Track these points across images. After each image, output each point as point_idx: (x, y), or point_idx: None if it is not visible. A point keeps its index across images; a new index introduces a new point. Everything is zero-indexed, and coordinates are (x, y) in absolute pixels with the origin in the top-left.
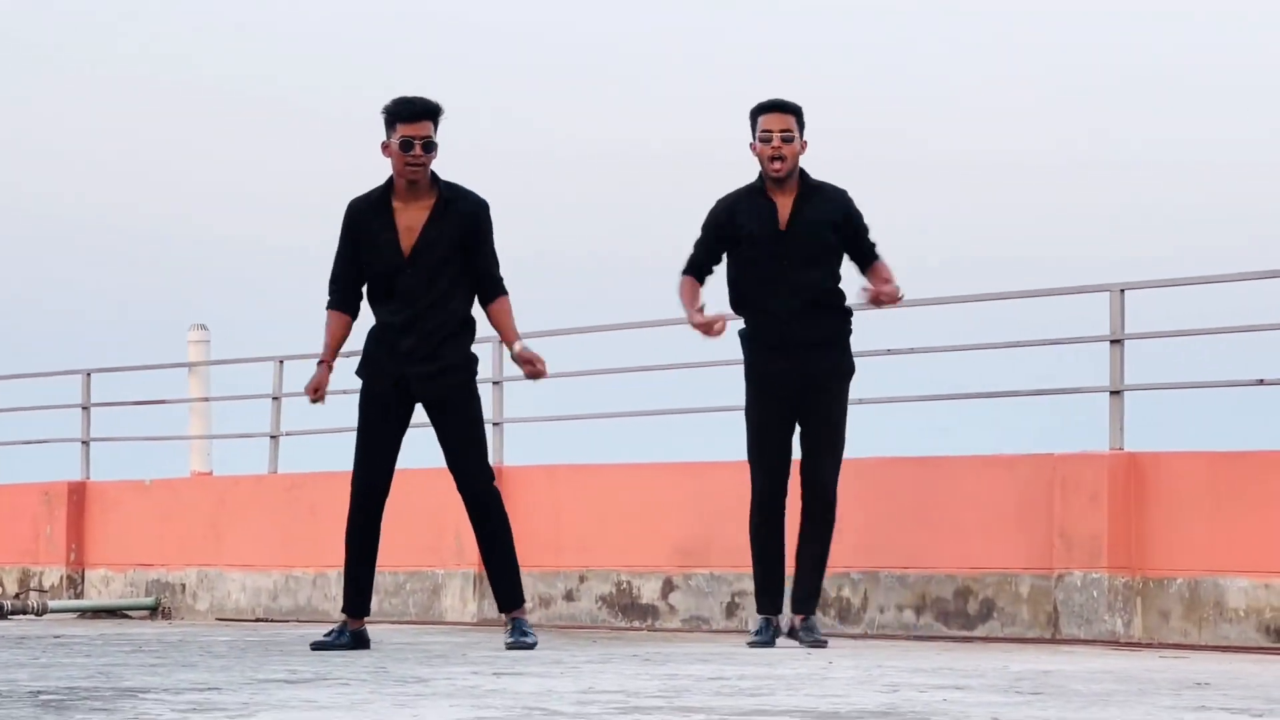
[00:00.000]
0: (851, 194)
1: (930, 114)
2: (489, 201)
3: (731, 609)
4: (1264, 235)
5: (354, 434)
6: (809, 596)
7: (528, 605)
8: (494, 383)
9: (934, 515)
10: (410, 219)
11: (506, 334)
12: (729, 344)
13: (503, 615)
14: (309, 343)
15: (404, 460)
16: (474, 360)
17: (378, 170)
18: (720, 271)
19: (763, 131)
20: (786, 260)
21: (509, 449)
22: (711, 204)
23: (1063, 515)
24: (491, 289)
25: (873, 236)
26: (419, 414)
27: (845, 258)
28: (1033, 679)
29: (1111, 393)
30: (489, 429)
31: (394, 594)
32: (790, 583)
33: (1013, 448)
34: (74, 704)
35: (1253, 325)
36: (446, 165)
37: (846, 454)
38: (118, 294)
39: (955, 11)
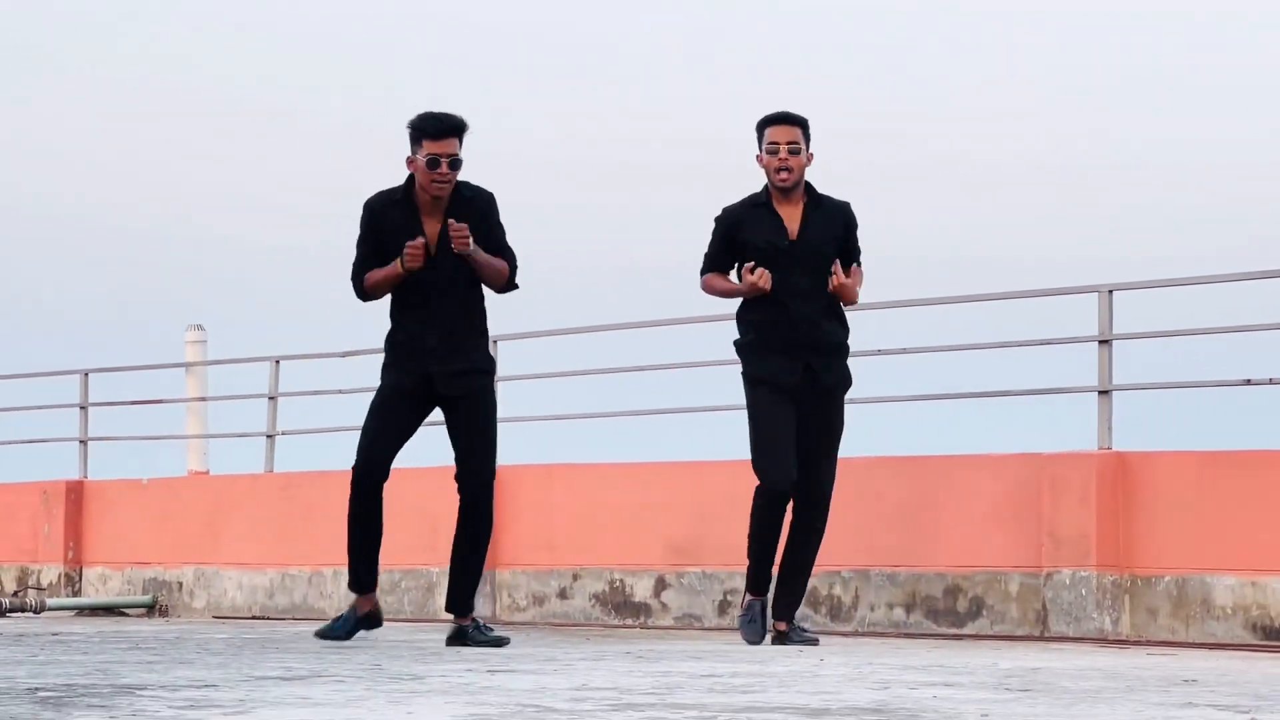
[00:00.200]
0: (853, 204)
1: (928, 114)
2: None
3: (724, 607)
4: (1252, 236)
5: (350, 434)
6: (794, 603)
7: (521, 604)
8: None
9: (924, 514)
10: (432, 221)
11: (488, 268)
12: (724, 344)
13: (461, 618)
14: (305, 343)
15: (399, 460)
16: (494, 364)
17: (375, 171)
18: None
19: (769, 143)
20: (794, 271)
21: (503, 448)
22: (711, 209)
23: (1052, 514)
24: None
25: (863, 247)
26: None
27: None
28: (1022, 676)
29: (1100, 392)
30: None
31: (389, 592)
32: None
33: (1002, 447)
34: (72, 701)
35: (1240, 326)
36: None
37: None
38: (116, 294)
39: (954, 11)
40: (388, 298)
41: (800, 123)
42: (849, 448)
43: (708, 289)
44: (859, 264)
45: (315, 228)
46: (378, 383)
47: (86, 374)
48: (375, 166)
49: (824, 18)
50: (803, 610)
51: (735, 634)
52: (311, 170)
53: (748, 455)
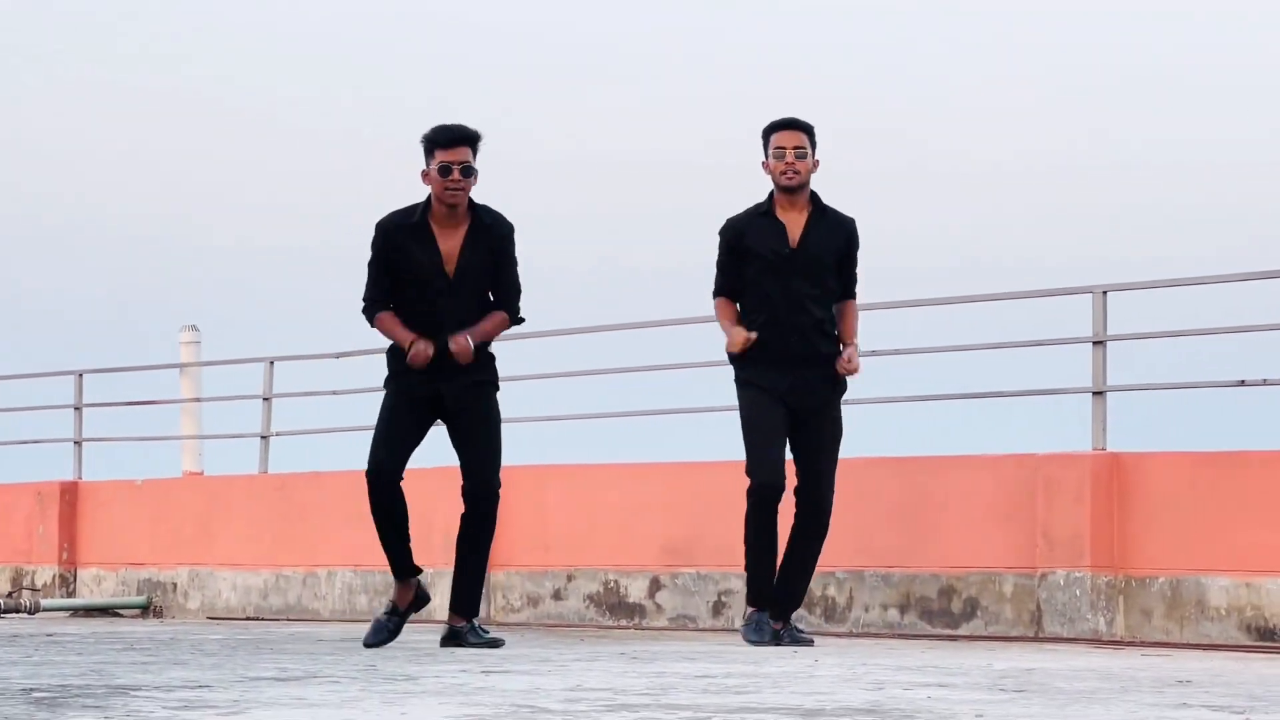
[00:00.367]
0: (851, 207)
1: (925, 115)
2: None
3: (718, 608)
4: (1246, 237)
5: (345, 435)
6: (792, 604)
7: (515, 605)
8: None
9: (918, 515)
10: (449, 241)
11: (488, 324)
12: (719, 345)
13: (456, 619)
14: (299, 344)
15: None
16: (498, 376)
17: (371, 173)
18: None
19: (775, 148)
20: (795, 278)
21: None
22: (709, 210)
23: (1046, 515)
24: (504, 305)
25: (859, 270)
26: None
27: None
28: (1016, 677)
29: (1094, 393)
30: None
31: (383, 593)
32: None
33: (996, 448)
34: (66, 701)
35: (1234, 327)
36: None
37: None
38: (110, 295)
39: (952, 12)
40: (400, 304)
41: (807, 129)
42: (844, 448)
43: (717, 314)
44: (852, 295)
45: (310, 229)
46: (372, 384)
47: (81, 375)
48: (372, 168)
49: (823, 19)
50: (797, 611)
51: (730, 635)
52: (307, 172)
53: (742, 456)
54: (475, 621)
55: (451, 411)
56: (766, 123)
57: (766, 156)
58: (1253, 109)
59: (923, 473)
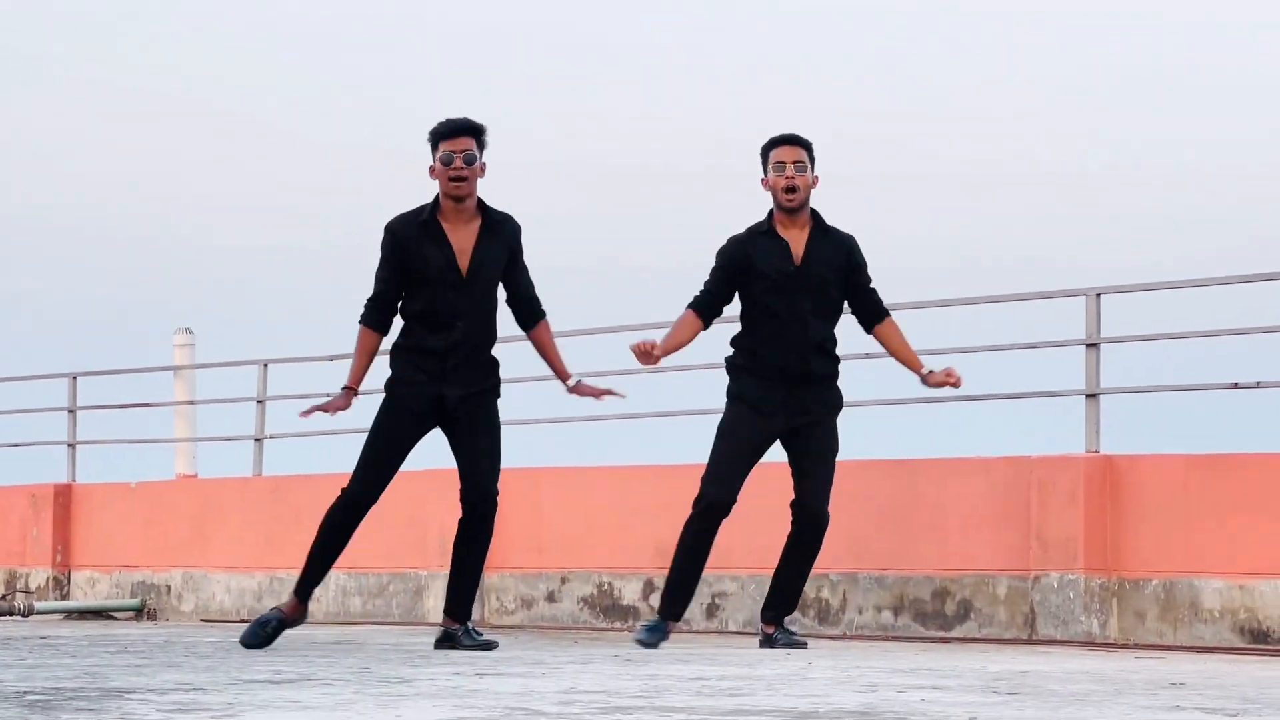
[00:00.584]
0: (847, 210)
1: (920, 119)
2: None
3: (712, 610)
4: (1240, 240)
5: (339, 437)
6: (785, 609)
7: (509, 607)
8: None
9: (912, 517)
10: (461, 239)
11: (558, 366)
12: (713, 348)
13: (451, 622)
14: (293, 346)
15: None
16: (499, 384)
17: (366, 175)
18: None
19: (775, 163)
20: (799, 297)
21: None
22: (705, 212)
23: (1039, 517)
24: (532, 312)
25: (873, 279)
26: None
27: (845, 307)
28: (1010, 679)
29: (1088, 396)
30: None
31: (377, 595)
32: (765, 592)
33: (990, 450)
34: (60, 704)
35: (1227, 329)
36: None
37: None
38: (105, 298)
39: (948, 15)
40: (410, 304)
41: (805, 145)
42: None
43: (676, 321)
44: (886, 312)
45: (306, 232)
46: (366, 387)
47: (75, 377)
48: (368, 171)
49: (821, 21)
50: (791, 614)
51: (724, 637)
52: (303, 174)
53: None
54: (470, 624)
55: (453, 417)
56: (765, 139)
57: (766, 173)
58: (1248, 112)
59: (916, 475)
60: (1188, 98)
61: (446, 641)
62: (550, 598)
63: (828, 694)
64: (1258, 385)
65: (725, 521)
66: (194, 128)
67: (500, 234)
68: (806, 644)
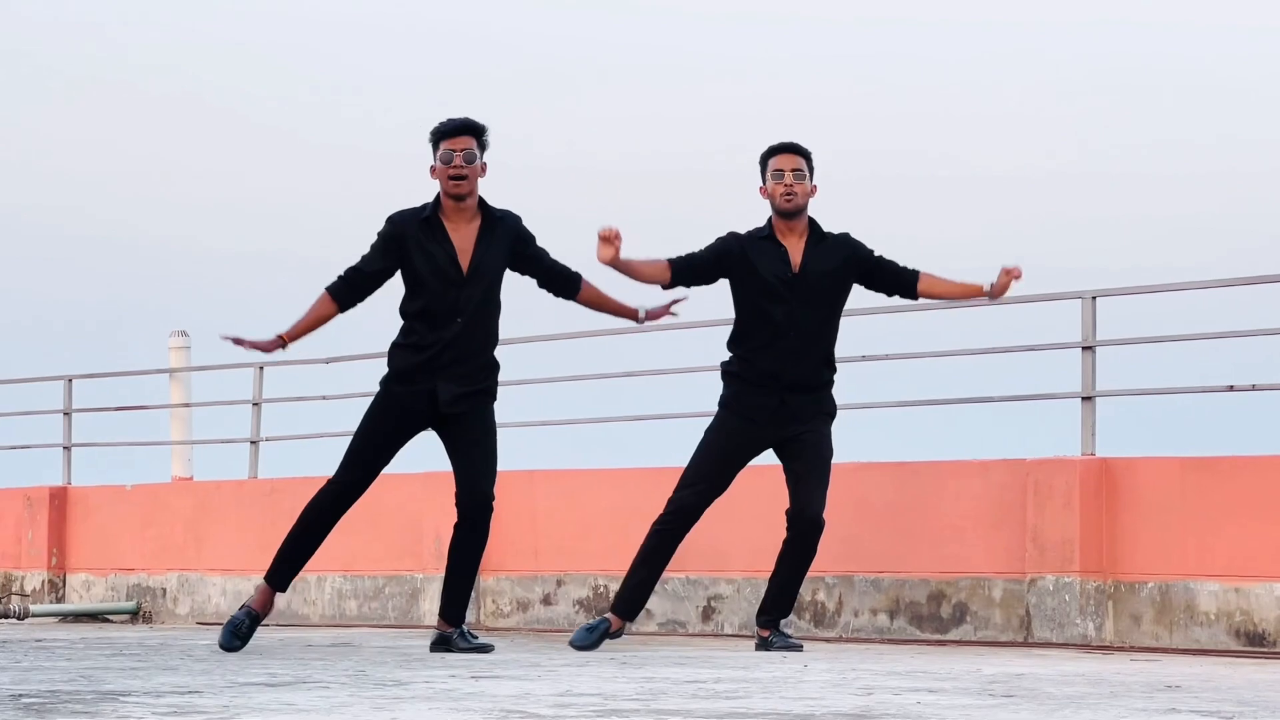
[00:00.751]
0: (842, 212)
1: (917, 123)
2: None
3: (707, 613)
4: (1235, 243)
5: (334, 440)
6: (781, 612)
7: (505, 610)
8: None
9: (908, 520)
10: (462, 238)
11: (621, 309)
12: (708, 351)
13: (446, 625)
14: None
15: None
16: (496, 387)
17: (363, 181)
18: (716, 287)
19: (774, 170)
20: (796, 303)
21: None
22: (700, 216)
23: (1035, 520)
24: (571, 280)
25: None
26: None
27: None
28: (1005, 682)
29: (1083, 398)
30: None
31: (373, 598)
32: (761, 595)
33: (986, 453)
34: (55, 707)
35: (1223, 332)
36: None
37: None
38: (99, 300)
39: (942, 23)
40: (410, 303)
41: (804, 153)
42: (834, 452)
43: (635, 265)
44: (914, 270)
45: (301, 235)
46: (362, 389)
47: (70, 380)
48: (365, 175)
49: (817, 29)
50: (786, 616)
51: (719, 640)
52: (299, 178)
53: None
54: (464, 627)
55: (447, 419)
56: (764, 148)
57: (764, 181)
58: (1244, 116)
59: (912, 477)
60: (1184, 101)
61: (442, 644)
62: (546, 600)
63: (823, 696)
64: (1253, 388)
65: (721, 525)
66: (190, 130)
67: (501, 231)
68: (802, 647)
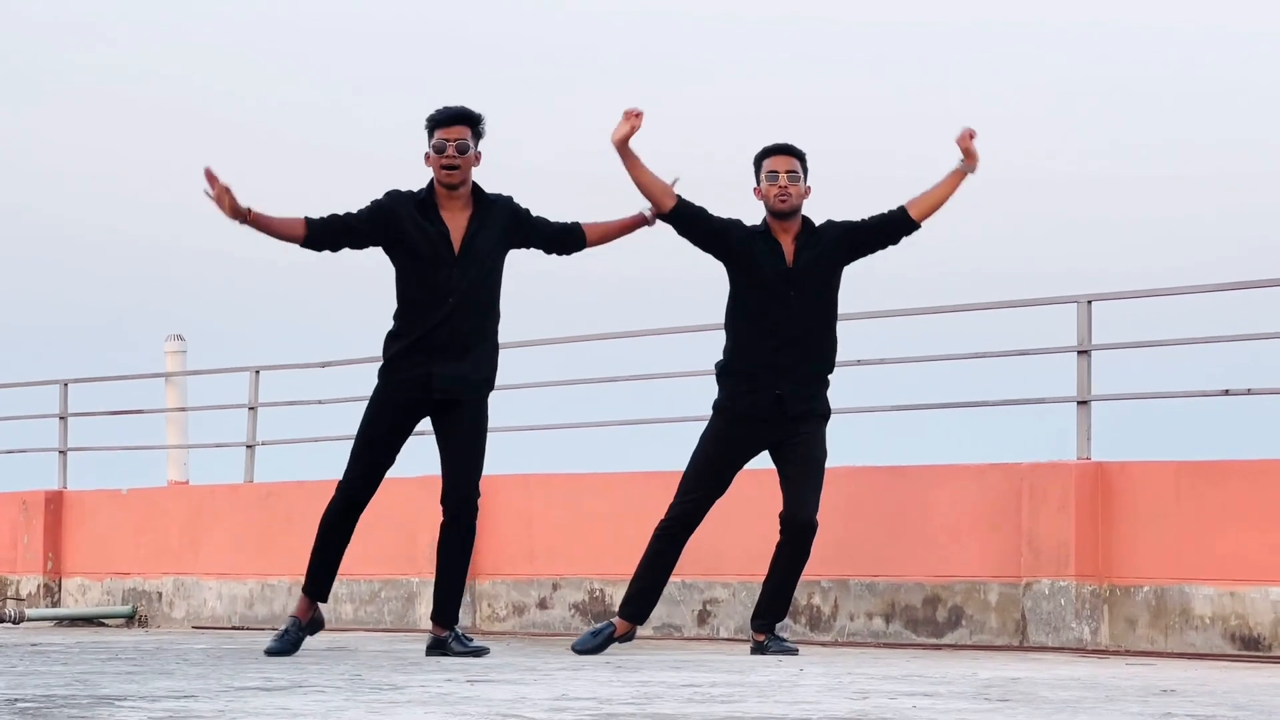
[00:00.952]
0: (837, 216)
1: (913, 126)
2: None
3: (703, 617)
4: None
5: (330, 445)
6: (776, 616)
7: (500, 614)
8: None
9: (903, 524)
10: (455, 218)
11: (627, 223)
12: (704, 354)
13: (439, 628)
14: (285, 353)
15: None
16: (494, 373)
17: (359, 185)
18: (711, 291)
19: (769, 172)
20: (791, 296)
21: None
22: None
23: (1031, 524)
24: (573, 232)
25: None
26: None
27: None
28: (1001, 686)
29: (1079, 403)
30: None
31: (369, 602)
32: (755, 600)
33: (981, 457)
34: (51, 712)
35: (1218, 336)
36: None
37: None
38: (95, 304)
39: (937, 25)
40: (403, 286)
41: (799, 154)
42: (829, 457)
43: (644, 168)
44: (898, 206)
45: None
46: (358, 393)
47: (66, 384)
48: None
49: (812, 31)
50: (782, 620)
51: (715, 644)
52: (295, 183)
53: None
54: (458, 630)
55: (442, 405)
56: (759, 149)
57: (758, 182)
58: (1241, 119)
59: (908, 482)
60: (1180, 104)
61: (438, 648)
62: (542, 604)
63: (819, 701)
64: (1249, 392)
65: (716, 528)
66: (185, 134)
67: (495, 212)
68: (798, 651)
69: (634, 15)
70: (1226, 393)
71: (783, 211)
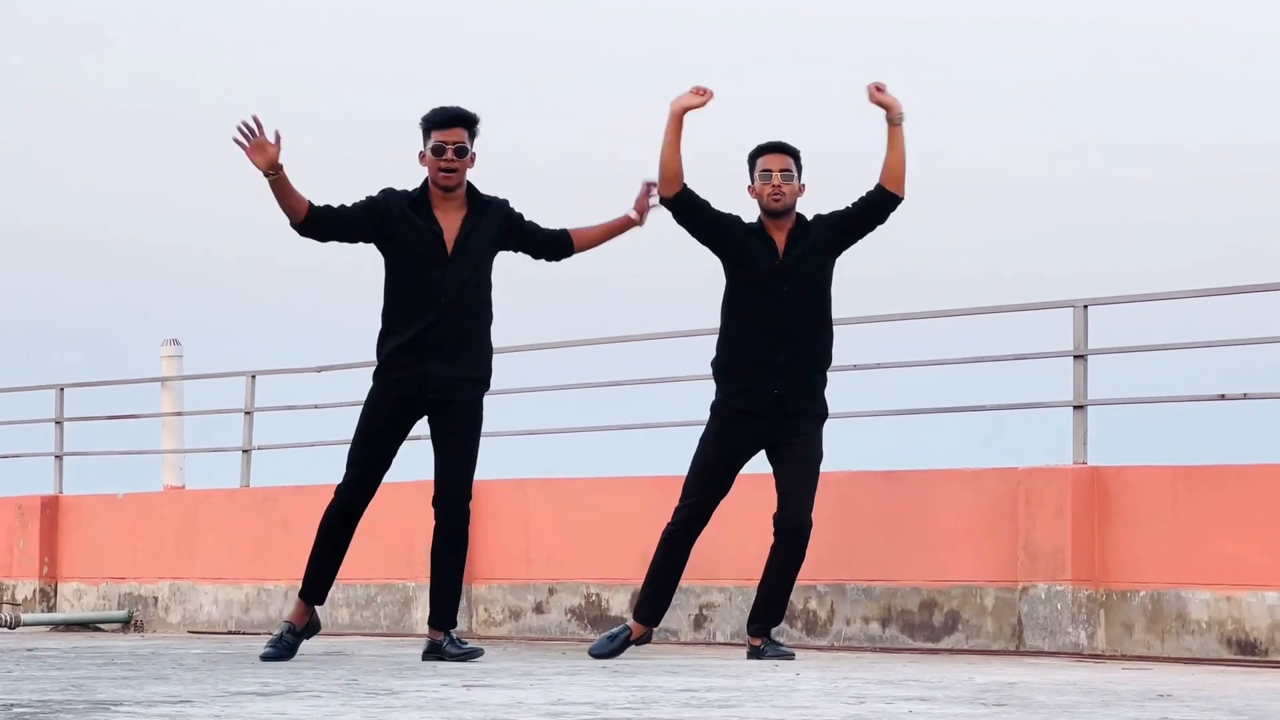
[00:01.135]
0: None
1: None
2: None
3: (699, 621)
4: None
5: (326, 450)
6: (772, 620)
7: (497, 618)
8: None
9: (900, 528)
10: (449, 219)
11: (616, 225)
12: (701, 359)
13: (434, 630)
14: (281, 358)
15: None
16: (490, 374)
17: (356, 188)
18: (708, 295)
19: (762, 170)
20: (783, 291)
21: (479, 462)
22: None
23: (1027, 528)
24: (562, 239)
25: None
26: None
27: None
28: (997, 690)
29: (1075, 407)
30: None
31: (365, 606)
32: (749, 605)
33: (978, 462)
34: (47, 717)
35: (1215, 341)
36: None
37: None
38: (91, 309)
39: (931, 27)
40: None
41: (793, 152)
42: (825, 462)
43: (675, 150)
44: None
45: (292, 243)
46: (354, 397)
47: (62, 389)
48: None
49: (809, 32)
50: (778, 625)
51: (711, 648)
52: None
53: None
54: (453, 633)
55: (438, 404)
56: (752, 147)
57: (752, 180)
58: (1237, 121)
59: (904, 486)
60: (1175, 107)
61: (434, 653)
62: (538, 609)
63: (815, 705)
64: (1244, 397)
65: (713, 532)
66: (181, 139)
67: (490, 214)
68: (794, 655)
69: (634, 15)
70: (1223, 397)
71: (776, 210)
